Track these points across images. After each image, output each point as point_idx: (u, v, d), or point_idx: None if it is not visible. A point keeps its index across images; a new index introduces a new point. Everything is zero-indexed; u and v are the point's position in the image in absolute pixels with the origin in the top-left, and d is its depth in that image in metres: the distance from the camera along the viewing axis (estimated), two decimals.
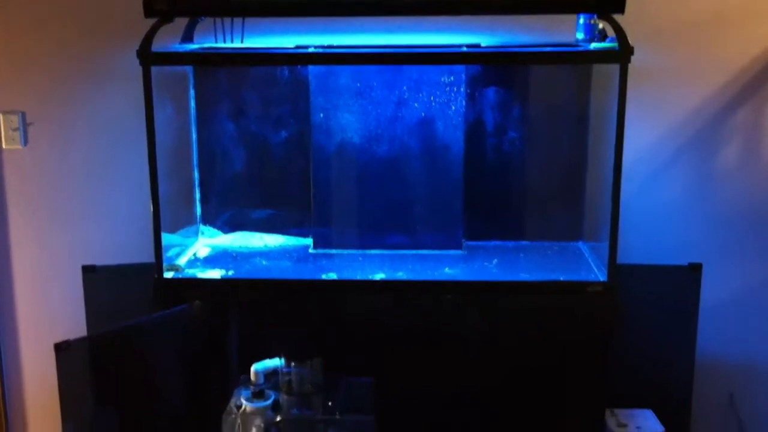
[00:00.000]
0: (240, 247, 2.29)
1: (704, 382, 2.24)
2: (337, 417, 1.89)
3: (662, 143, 2.23)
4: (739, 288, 2.29)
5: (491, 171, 2.25)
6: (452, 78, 2.14)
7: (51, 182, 2.33)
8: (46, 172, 2.33)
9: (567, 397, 1.95)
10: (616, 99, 1.86)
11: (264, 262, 2.17)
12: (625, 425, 2.03)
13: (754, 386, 2.31)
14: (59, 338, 1.73)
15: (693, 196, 2.25)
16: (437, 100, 2.15)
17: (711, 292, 2.21)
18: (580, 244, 2.26)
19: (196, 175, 2.29)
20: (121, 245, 2.29)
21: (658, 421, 2.04)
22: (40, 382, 2.44)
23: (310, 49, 2.14)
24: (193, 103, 2.25)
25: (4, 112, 2.30)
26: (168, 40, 2.01)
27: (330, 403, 1.91)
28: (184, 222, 2.24)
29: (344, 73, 2.15)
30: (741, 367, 2.31)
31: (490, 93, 2.21)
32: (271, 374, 1.93)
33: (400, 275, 2.05)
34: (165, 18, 1.89)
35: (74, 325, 2.16)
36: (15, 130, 2.30)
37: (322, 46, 2.16)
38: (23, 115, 2.30)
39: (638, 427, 2.02)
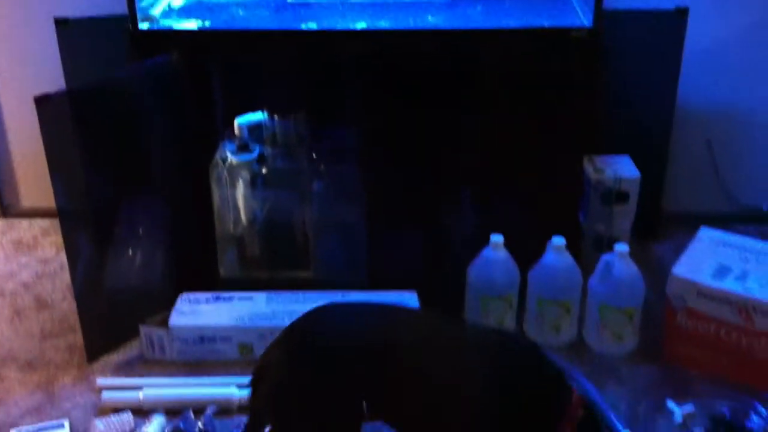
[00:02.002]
0: None
1: (683, 129, 2.27)
2: (322, 168, 1.93)
3: None
4: (724, 34, 2.26)
5: None
6: None
7: None
8: None
9: (547, 144, 1.98)
10: None
11: (241, 12, 2.11)
12: (602, 170, 2.08)
13: (732, 132, 2.35)
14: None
15: None
16: None
17: (696, 37, 2.18)
18: None
19: None
20: None
21: (634, 167, 2.09)
22: (27, 140, 2.44)
23: None
24: None
25: None
26: None
27: (314, 155, 1.94)
28: None
29: None
30: (720, 114, 2.33)
31: None
32: (255, 128, 1.95)
33: (382, 24, 2.01)
34: None
35: (54, 82, 2.12)
36: None
37: None
38: None
39: (615, 172, 2.07)
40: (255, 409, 1.44)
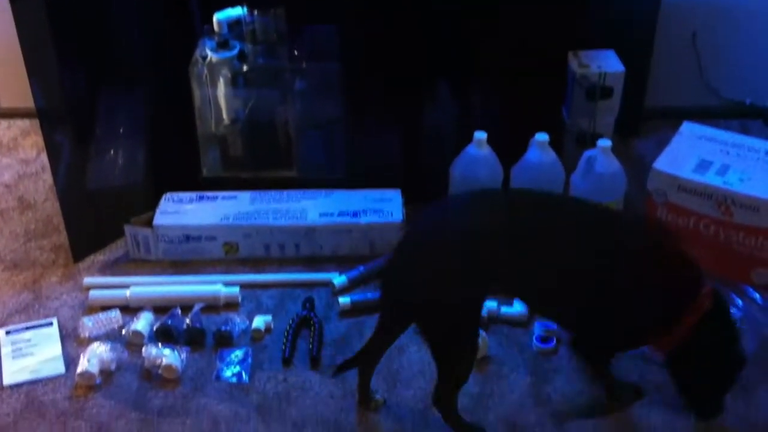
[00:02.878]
0: None
1: (667, 22, 2.24)
2: (303, 65, 1.91)
3: None
4: None
5: None
6: None
7: None
8: None
9: (531, 39, 1.95)
10: None
11: None
12: (587, 66, 2.06)
13: (716, 24, 2.32)
14: None
15: None
16: None
17: None
18: None
19: None
20: None
21: (619, 61, 2.07)
22: (3, 40, 2.39)
23: None
24: None
25: None
26: None
27: (295, 52, 1.91)
28: None
29: None
30: (704, 7, 2.30)
31: None
32: (235, 24, 1.91)
33: None
34: None
35: None
36: None
37: None
38: None
39: (599, 67, 2.05)
40: (387, 298, 1.45)
